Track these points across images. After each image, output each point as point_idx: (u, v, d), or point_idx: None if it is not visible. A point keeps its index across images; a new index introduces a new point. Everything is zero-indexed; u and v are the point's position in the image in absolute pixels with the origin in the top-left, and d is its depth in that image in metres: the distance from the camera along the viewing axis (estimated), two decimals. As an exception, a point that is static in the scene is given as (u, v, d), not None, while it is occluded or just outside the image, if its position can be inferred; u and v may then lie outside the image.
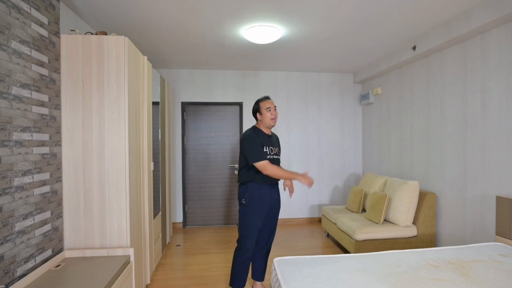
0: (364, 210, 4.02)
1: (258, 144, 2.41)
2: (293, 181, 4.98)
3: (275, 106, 2.51)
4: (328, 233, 4.35)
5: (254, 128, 2.55)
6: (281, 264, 2.09)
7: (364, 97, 4.88)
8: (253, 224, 2.44)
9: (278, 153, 2.58)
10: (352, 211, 4.02)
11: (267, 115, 2.47)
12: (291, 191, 2.62)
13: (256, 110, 2.54)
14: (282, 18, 2.82)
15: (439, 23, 2.94)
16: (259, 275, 2.68)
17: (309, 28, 3.07)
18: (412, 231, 3.25)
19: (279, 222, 4.99)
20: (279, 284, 1.86)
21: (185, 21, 2.89)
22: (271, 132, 2.62)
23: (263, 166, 2.36)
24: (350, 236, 3.32)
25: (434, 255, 2.23)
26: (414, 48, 3.38)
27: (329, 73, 5.07)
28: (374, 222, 3.38)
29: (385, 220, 3.45)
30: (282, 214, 5.02)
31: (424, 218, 3.27)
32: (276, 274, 2.00)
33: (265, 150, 2.44)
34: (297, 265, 2.07)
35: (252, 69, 4.84)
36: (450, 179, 3.14)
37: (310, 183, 2.37)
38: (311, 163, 5.07)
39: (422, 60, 3.56)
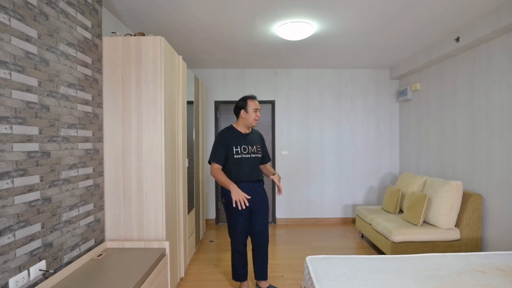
0: (401, 211, 3.85)
1: (220, 146, 2.49)
2: (326, 180, 4.89)
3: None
4: (362, 234, 4.22)
5: (228, 128, 2.59)
6: (314, 263, 2.06)
7: (401, 93, 4.67)
8: (236, 222, 2.51)
9: (257, 151, 2.56)
10: (388, 212, 3.86)
11: (252, 115, 2.50)
12: (279, 189, 2.59)
13: (241, 107, 2.53)
14: (316, 13, 2.77)
15: (486, 11, 2.74)
16: (262, 275, 2.69)
17: (344, 22, 2.99)
18: (454, 234, 3.05)
19: (311, 221, 4.92)
20: (312, 282, 1.83)
21: (218, 21, 2.93)
22: (251, 129, 2.62)
23: (212, 167, 2.50)
24: (386, 238, 3.19)
25: (480, 260, 2.08)
26: (457, 39, 3.17)
27: (364, 69, 4.91)
28: (412, 224, 3.22)
29: (424, 221, 3.28)
30: (314, 214, 4.94)
31: (468, 220, 3.06)
32: (308, 272, 1.97)
33: (235, 149, 2.48)
34: (330, 264, 2.02)
35: (284, 67, 4.81)
36: (498, 180, 2.91)
37: (237, 198, 2.32)
38: (345, 162, 4.94)
39: (466, 52, 3.33)
